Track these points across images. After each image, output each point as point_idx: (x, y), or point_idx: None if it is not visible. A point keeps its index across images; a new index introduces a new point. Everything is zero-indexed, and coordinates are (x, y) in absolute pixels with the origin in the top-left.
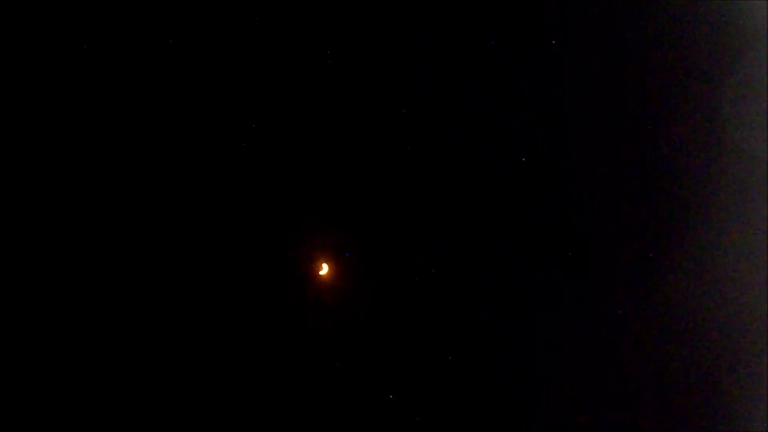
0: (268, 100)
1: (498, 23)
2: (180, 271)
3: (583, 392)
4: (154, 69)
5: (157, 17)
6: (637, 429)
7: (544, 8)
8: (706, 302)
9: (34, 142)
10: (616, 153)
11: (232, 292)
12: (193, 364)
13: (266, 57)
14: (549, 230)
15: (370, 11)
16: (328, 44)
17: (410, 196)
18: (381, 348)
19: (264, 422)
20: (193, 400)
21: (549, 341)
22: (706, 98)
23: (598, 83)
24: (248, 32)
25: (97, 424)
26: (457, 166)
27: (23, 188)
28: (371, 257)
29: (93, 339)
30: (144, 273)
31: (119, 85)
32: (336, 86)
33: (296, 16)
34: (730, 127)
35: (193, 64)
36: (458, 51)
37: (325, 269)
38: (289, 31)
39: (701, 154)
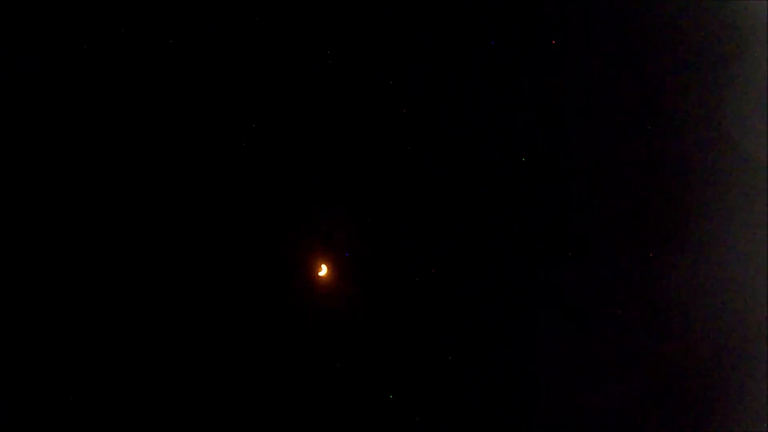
0: (268, 100)
1: (498, 23)
2: (179, 271)
3: (583, 392)
4: (154, 69)
5: (157, 17)
6: (637, 429)
7: (544, 8)
8: (706, 302)
9: (34, 142)
10: (616, 153)
11: (232, 292)
12: (193, 363)
13: (266, 57)
14: (549, 230)
15: (370, 11)
16: (328, 44)
17: (410, 196)
18: (381, 348)
19: (264, 422)
20: (194, 400)
21: (549, 341)
22: (706, 98)
23: (598, 83)
24: (248, 32)
25: (98, 424)
26: (457, 166)
27: (23, 188)
28: (371, 257)
29: (93, 339)
30: (143, 273)
31: (119, 85)
32: (336, 86)
33: (296, 16)
34: (730, 127)
35: (193, 64)
36: (458, 51)
37: (324, 270)
38: (289, 31)
39: (701, 154)
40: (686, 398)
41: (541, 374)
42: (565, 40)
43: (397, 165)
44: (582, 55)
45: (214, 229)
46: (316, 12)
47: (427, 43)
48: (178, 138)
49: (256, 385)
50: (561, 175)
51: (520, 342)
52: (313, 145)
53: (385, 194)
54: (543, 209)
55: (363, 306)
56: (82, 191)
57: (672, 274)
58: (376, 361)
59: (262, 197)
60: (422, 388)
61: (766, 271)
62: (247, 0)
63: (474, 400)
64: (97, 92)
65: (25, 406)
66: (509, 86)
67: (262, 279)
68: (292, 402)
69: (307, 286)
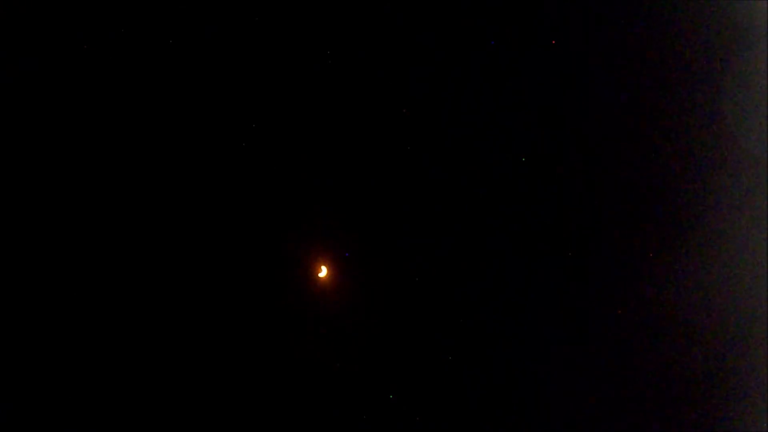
0: (268, 100)
1: (498, 23)
2: (179, 270)
3: (583, 392)
4: (154, 69)
5: (157, 17)
6: (637, 429)
7: (544, 8)
8: (706, 302)
9: (34, 142)
10: (616, 153)
11: (231, 291)
12: (193, 363)
13: (266, 57)
14: (549, 230)
15: (370, 11)
16: (328, 44)
17: (410, 196)
18: (381, 348)
19: (264, 422)
20: (194, 400)
21: (549, 341)
22: (706, 98)
23: (598, 83)
24: (248, 32)
25: (97, 424)
26: (457, 166)
27: (23, 188)
28: (371, 257)
29: (91, 341)
30: (142, 274)
31: (119, 85)
32: (336, 86)
33: (296, 16)
34: (730, 127)
35: (193, 64)
36: (458, 51)
37: (324, 272)
38: (289, 31)
39: (701, 154)
40: (686, 398)
41: (541, 374)
42: (565, 40)
43: (397, 165)
44: (582, 55)
45: (214, 228)
46: (316, 12)
47: (427, 43)
48: (178, 138)
49: (256, 385)
50: (561, 175)
51: (520, 342)
52: (313, 145)
53: (385, 194)
54: (543, 209)
55: (363, 306)
56: (82, 190)
57: (672, 274)
58: (376, 361)
59: (262, 197)
60: (422, 388)
61: (766, 271)
62: (247, 0)
63: (474, 400)
64: (97, 92)
65: (25, 406)
66: (509, 86)
67: (261, 278)
68: (292, 402)
69: (307, 285)
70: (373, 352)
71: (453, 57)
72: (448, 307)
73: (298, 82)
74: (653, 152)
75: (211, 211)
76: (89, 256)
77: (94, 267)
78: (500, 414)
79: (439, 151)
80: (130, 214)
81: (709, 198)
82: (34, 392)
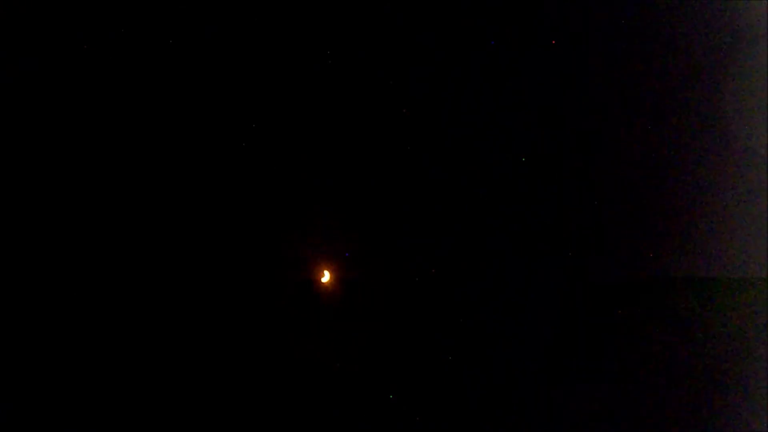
0: (268, 100)
1: (498, 23)
2: (177, 269)
3: (582, 392)
4: (154, 69)
5: (157, 17)
6: (637, 429)
7: (544, 8)
8: (705, 302)
9: (34, 142)
10: (616, 153)
11: (230, 289)
12: (192, 363)
13: (266, 57)
14: (549, 230)
15: (370, 11)
16: (328, 44)
17: (410, 196)
18: (381, 348)
19: (264, 422)
20: (193, 400)
21: (549, 341)
22: (706, 97)
23: (598, 83)
24: (248, 32)
25: (97, 424)
26: (457, 166)
27: (23, 188)
28: (371, 257)
29: (88, 343)
30: (141, 274)
31: (119, 85)
32: (336, 86)
33: (296, 16)
34: (730, 127)
35: (193, 64)
36: (458, 51)
37: (327, 276)
38: (289, 31)
39: (702, 154)
40: (686, 398)
41: (541, 374)
42: (565, 40)
43: (397, 165)
44: (582, 55)
45: (214, 227)
46: (316, 12)
47: (427, 43)
48: (177, 138)
49: (256, 385)
50: (561, 176)
51: (520, 342)
52: (312, 144)
53: (385, 194)
54: (543, 209)
55: (363, 306)
56: (80, 191)
57: (671, 273)
58: (376, 361)
59: (263, 196)
60: (422, 388)
61: (767, 271)
62: (247, 0)
63: (474, 400)
64: (97, 92)
65: (25, 406)
66: (509, 86)
67: (261, 277)
68: (292, 402)
69: (306, 285)
70: (373, 352)
71: (453, 57)
72: (448, 307)
73: (298, 82)
74: (653, 152)
75: (212, 209)
76: (87, 258)
77: (91, 270)
78: (500, 414)
79: (439, 151)
80: (129, 215)
81: (709, 197)
82: (34, 392)
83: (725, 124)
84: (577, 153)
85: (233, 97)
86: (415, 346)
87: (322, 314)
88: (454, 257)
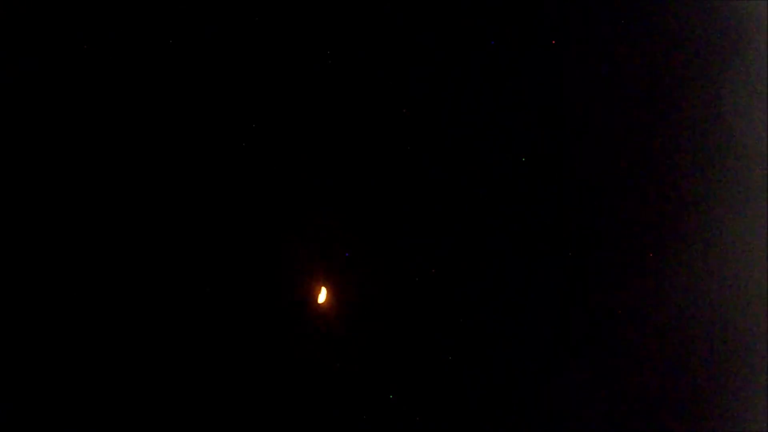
0: (267, 100)
1: (498, 23)
2: (174, 268)
3: (582, 392)
4: (153, 69)
5: (157, 17)
6: (636, 429)
7: (544, 8)
8: (706, 302)
9: (33, 142)
10: (616, 152)
11: (229, 288)
12: (190, 363)
13: (266, 57)
14: (549, 230)
15: (370, 11)
16: (328, 44)
17: (410, 196)
18: (381, 348)
19: (264, 422)
20: (192, 400)
21: (549, 341)
22: (706, 97)
23: (598, 82)
24: (248, 32)
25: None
26: (457, 166)
27: (23, 188)
28: (371, 257)
29: (77, 356)
30: (140, 278)
31: (119, 85)
32: (336, 86)
33: (296, 16)
34: (730, 127)
35: (193, 64)
36: (458, 51)
37: (323, 294)
38: (289, 31)
39: (702, 153)
40: (686, 398)
41: (540, 374)
42: (565, 40)
43: (397, 165)
44: (582, 55)
45: (213, 225)
46: (316, 12)
47: (427, 43)
48: (178, 138)
49: (256, 384)
50: (561, 176)
51: (520, 342)
52: (312, 145)
53: (385, 194)
54: (543, 209)
55: (362, 305)
56: (80, 191)
57: (672, 274)
58: (376, 361)
59: (263, 196)
60: (422, 388)
61: (767, 271)
62: (247, 0)
63: (474, 400)
64: (97, 92)
65: (25, 406)
66: (509, 86)
67: (260, 277)
68: (292, 402)
69: (306, 285)
70: (373, 352)
71: (453, 57)
72: (448, 307)
73: (298, 82)
74: (653, 152)
75: (212, 209)
76: (83, 258)
77: (84, 272)
78: (500, 414)
79: (439, 151)
80: (129, 215)
81: (709, 197)
82: (34, 392)
83: (725, 123)
84: (577, 153)
85: (233, 97)
86: (415, 346)
87: (322, 314)
88: (454, 257)
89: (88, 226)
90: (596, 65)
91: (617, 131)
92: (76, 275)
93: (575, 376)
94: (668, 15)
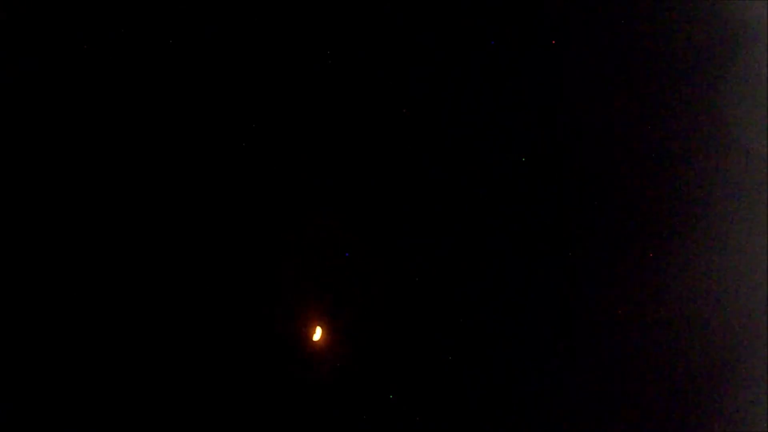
0: (268, 100)
1: (498, 23)
2: (176, 266)
3: (582, 392)
4: (153, 69)
5: (157, 17)
6: (636, 429)
7: (544, 8)
8: (706, 302)
9: (33, 142)
10: (616, 152)
11: (229, 285)
12: (187, 360)
13: (266, 57)
14: (549, 230)
15: (370, 11)
16: (328, 44)
17: (410, 196)
18: (381, 348)
19: (264, 422)
20: (191, 399)
21: (549, 341)
22: (706, 97)
23: (598, 83)
24: (248, 32)
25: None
26: (457, 166)
27: (23, 188)
28: (371, 257)
29: (75, 356)
30: (141, 274)
31: (119, 85)
32: (336, 86)
33: (296, 16)
34: (730, 127)
35: (193, 64)
36: (458, 51)
37: (318, 333)
38: (289, 31)
39: (702, 153)
40: (686, 398)
41: (540, 374)
42: (565, 40)
43: (397, 165)
44: (582, 55)
45: (213, 224)
46: (316, 12)
47: (427, 43)
48: (177, 138)
49: (256, 384)
50: (561, 176)
51: (520, 342)
52: (312, 145)
53: (385, 194)
54: (543, 209)
55: (362, 305)
56: (79, 191)
57: (672, 274)
58: (376, 361)
59: (263, 196)
60: (422, 388)
61: (766, 271)
62: (247, 0)
63: (474, 400)
64: (97, 92)
65: (25, 406)
66: (509, 86)
67: (260, 276)
68: (292, 401)
69: (306, 286)
70: (373, 352)
71: (453, 57)
72: (448, 307)
73: (298, 82)
74: (653, 152)
75: (212, 208)
76: (81, 259)
77: (83, 273)
78: (500, 414)
79: (439, 151)
80: (128, 215)
81: (709, 197)
82: (34, 392)
83: (725, 124)
84: (577, 153)
85: (233, 97)
86: (415, 346)
87: (322, 314)
88: (454, 257)
89: (85, 225)
90: (596, 66)
91: (617, 132)
92: (63, 283)
93: (575, 376)
94: (669, 16)
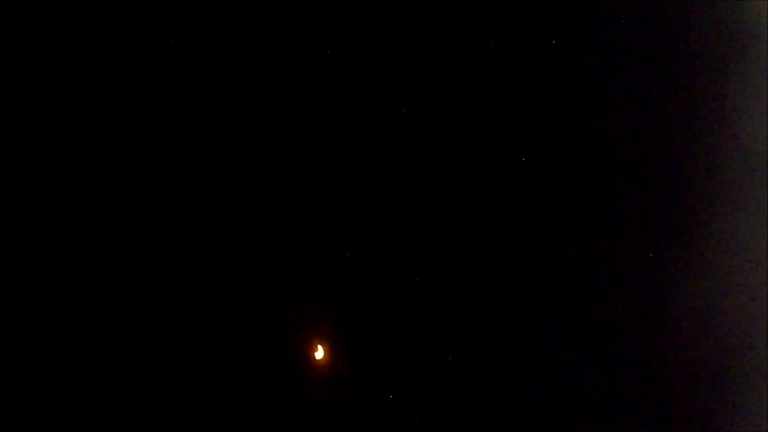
0: (268, 100)
1: (498, 23)
2: (176, 265)
3: (582, 392)
4: (153, 69)
5: (157, 17)
6: (637, 429)
7: (544, 8)
8: (706, 302)
9: (33, 142)
10: (616, 152)
11: (229, 284)
12: (189, 363)
13: (266, 57)
14: (549, 230)
15: (370, 11)
16: (328, 44)
17: (410, 196)
18: (381, 348)
19: (264, 421)
20: (190, 397)
21: (549, 341)
22: (707, 97)
23: (598, 82)
24: (248, 32)
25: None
26: (457, 166)
27: (23, 188)
28: (371, 257)
29: (75, 356)
30: (141, 274)
31: (119, 85)
32: (336, 86)
33: (296, 16)
34: (731, 127)
35: (193, 64)
36: (458, 51)
37: (320, 352)
38: (289, 31)
39: (702, 153)
40: (686, 398)
41: (541, 374)
42: (565, 40)
43: (397, 165)
44: (582, 55)
45: (213, 224)
46: (316, 12)
47: (427, 43)
48: (177, 138)
49: (256, 383)
50: (561, 176)
51: (520, 342)
52: (312, 145)
53: (385, 194)
54: (543, 209)
55: (362, 305)
56: (79, 191)
57: (672, 274)
58: (376, 361)
59: (263, 196)
60: (422, 388)
61: (767, 271)
62: (247, 0)
63: (474, 400)
64: (97, 92)
65: (25, 406)
66: (509, 86)
67: (260, 275)
68: (293, 401)
69: (306, 286)
70: (373, 351)
71: (453, 57)
72: (448, 307)
73: (298, 82)
74: (654, 152)
75: (212, 207)
76: (81, 259)
77: (83, 273)
78: (500, 414)
79: (439, 151)
80: (127, 215)
81: (709, 197)
82: (34, 392)
83: (726, 125)
84: (577, 153)
85: (233, 97)
86: (415, 346)
87: (321, 314)
88: (454, 257)
89: (85, 226)
90: (596, 66)
91: (617, 132)
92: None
93: (575, 376)
94: (669, 16)
